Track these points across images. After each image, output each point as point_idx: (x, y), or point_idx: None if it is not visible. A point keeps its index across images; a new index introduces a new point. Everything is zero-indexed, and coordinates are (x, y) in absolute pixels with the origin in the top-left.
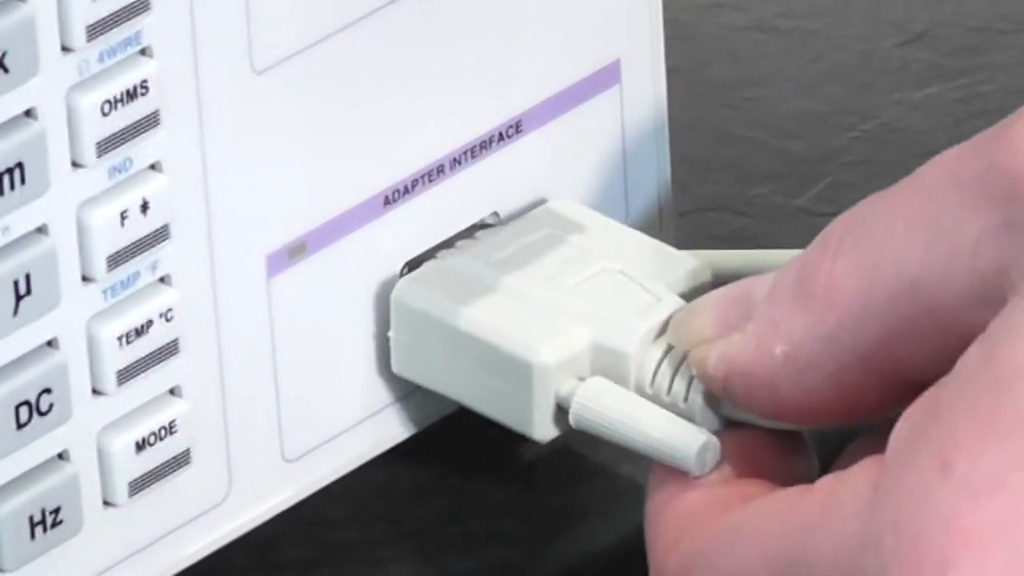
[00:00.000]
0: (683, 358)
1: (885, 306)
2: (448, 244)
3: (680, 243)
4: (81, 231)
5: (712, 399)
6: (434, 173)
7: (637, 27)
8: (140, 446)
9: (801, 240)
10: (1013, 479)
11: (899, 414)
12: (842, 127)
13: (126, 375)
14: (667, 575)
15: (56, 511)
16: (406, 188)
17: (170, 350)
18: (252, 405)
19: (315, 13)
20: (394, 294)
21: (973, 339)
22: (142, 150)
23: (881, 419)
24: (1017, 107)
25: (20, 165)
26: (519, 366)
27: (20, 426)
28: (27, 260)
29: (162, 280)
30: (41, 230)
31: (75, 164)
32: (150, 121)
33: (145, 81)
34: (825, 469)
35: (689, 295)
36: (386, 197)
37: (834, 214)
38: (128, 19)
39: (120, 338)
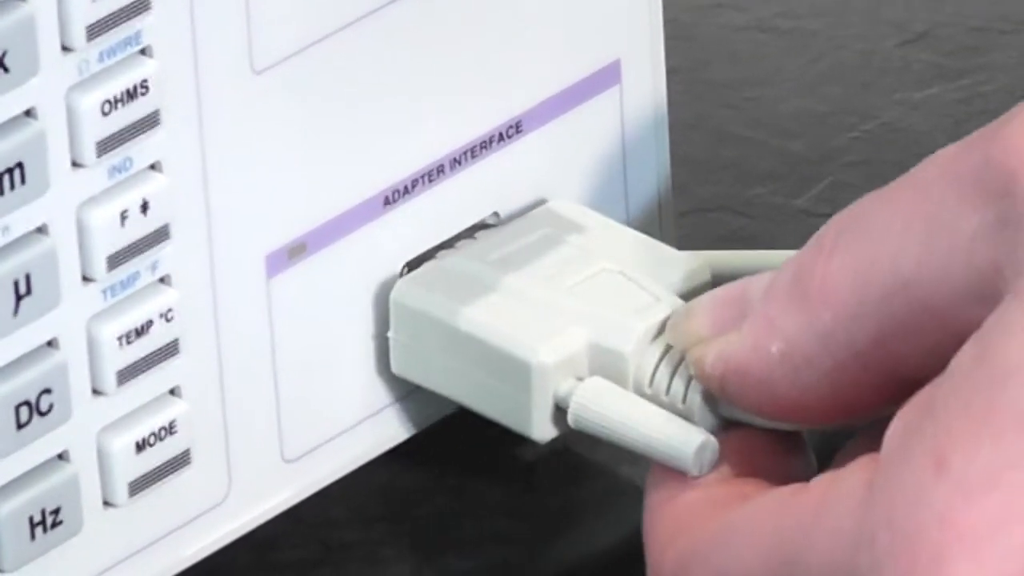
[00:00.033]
0: (681, 358)
1: (881, 303)
2: (448, 244)
3: (680, 243)
4: (81, 231)
5: (710, 399)
6: (434, 173)
7: (637, 27)
8: (140, 446)
9: (801, 241)
10: (1007, 477)
11: (895, 412)
12: (842, 127)
13: (126, 375)
14: (664, 574)
15: (56, 511)
16: (406, 188)
17: (170, 350)
18: (252, 405)
19: (315, 13)
20: (394, 294)
21: (969, 336)
22: (142, 150)
23: (877, 417)
24: None
25: (20, 165)
26: (518, 366)
27: (20, 426)
28: (27, 260)
29: (162, 280)
30: (41, 230)
31: (75, 164)
32: (150, 121)
33: (145, 81)
34: (823, 469)
35: (688, 295)
36: (386, 197)
37: (834, 215)
38: (128, 19)
39: (120, 338)
